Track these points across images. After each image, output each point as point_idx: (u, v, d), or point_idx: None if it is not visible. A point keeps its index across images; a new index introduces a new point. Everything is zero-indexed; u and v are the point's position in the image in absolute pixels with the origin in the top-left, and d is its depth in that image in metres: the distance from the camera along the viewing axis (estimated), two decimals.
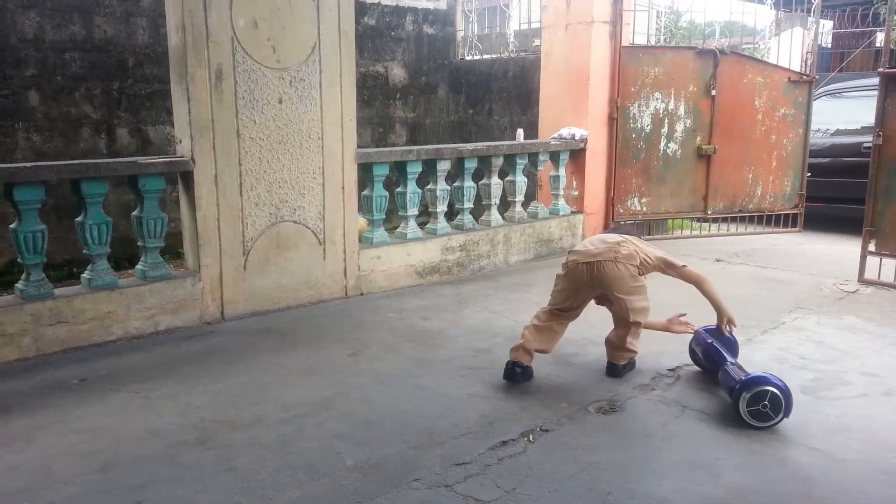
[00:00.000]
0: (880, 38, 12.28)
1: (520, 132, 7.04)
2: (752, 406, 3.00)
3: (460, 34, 9.44)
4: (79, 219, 4.12)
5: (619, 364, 3.61)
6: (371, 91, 8.57)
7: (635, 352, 3.63)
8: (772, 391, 2.99)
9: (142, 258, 4.34)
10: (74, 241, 4.35)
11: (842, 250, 6.58)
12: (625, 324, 3.55)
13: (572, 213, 6.76)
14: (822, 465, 2.77)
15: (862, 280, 5.48)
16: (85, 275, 4.15)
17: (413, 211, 5.52)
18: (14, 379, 3.56)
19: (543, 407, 3.25)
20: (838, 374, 3.65)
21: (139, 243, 4.34)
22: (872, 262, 5.46)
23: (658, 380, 3.58)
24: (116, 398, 3.35)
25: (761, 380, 3.04)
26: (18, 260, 3.93)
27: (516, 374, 3.49)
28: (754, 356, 3.80)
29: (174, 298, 4.31)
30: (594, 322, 3.83)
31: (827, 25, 13.15)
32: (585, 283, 3.51)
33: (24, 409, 3.22)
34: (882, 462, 2.79)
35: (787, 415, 3.01)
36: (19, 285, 3.92)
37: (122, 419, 3.13)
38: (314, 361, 3.83)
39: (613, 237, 3.60)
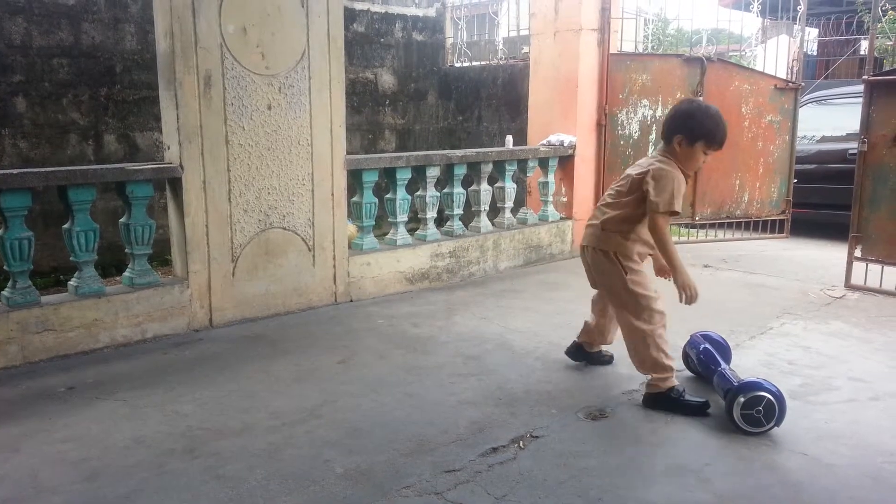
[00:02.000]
0: (865, 45, 12.41)
1: (509, 139, 7.06)
2: (746, 410, 3.01)
3: (450, 41, 9.47)
4: (66, 225, 4.10)
5: (652, 393, 3.27)
6: (360, 98, 8.57)
7: (665, 366, 3.25)
8: (768, 398, 2.99)
9: (129, 265, 4.31)
10: (61, 247, 4.32)
11: (828, 256, 6.64)
12: (627, 331, 3.37)
13: (561, 219, 6.77)
14: (810, 470, 2.78)
15: (848, 285, 5.53)
16: (72, 282, 4.11)
17: (403, 217, 5.51)
18: (0, 387, 3.53)
19: (533, 413, 3.25)
20: (826, 380, 3.67)
21: (127, 250, 4.31)
22: (859, 267, 5.50)
23: None
24: (103, 406, 3.32)
25: (759, 385, 3.04)
26: (5, 267, 3.90)
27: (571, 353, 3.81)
28: (742, 362, 3.82)
29: (162, 305, 4.29)
30: (580, 326, 3.83)
31: (812, 33, 13.29)
32: (589, 268, 3.54)
33: (9, 418, 3.19)
34: (870, 467, 2.80)
35: (777, 424, 3.02)
36: (5, 293, 3.88)
37: (109, 427, 3.10)
38: (303, 369, 3.82)
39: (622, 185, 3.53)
